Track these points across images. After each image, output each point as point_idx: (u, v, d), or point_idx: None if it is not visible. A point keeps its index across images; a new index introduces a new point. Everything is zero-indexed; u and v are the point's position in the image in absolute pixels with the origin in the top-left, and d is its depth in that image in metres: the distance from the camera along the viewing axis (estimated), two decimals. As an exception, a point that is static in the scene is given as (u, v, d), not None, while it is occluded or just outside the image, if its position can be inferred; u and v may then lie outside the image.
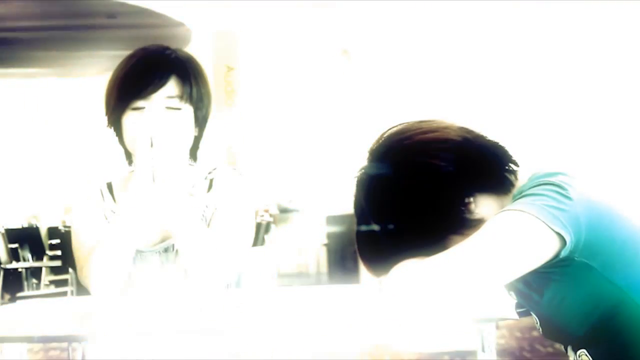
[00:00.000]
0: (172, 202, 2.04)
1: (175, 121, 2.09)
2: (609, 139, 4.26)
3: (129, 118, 2.09)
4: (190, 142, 2.15)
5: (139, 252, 2.12)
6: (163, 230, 2.15)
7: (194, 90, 2.12)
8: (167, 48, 2.16)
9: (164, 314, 1.93)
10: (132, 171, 2.17)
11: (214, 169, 2.20)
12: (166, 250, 2.14)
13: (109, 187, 2.21)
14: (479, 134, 1.68)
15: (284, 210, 12.22)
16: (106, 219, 2.16)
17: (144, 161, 2.04)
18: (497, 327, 6.48)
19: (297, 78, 12.59)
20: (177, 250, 2.11)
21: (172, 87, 2.10)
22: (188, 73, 2.12)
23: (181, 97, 2.10)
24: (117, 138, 2.18)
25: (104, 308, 2.00)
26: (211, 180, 2.18)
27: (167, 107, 2.09)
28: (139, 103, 2.08)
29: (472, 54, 7.98)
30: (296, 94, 12.66)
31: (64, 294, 5.73)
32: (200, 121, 2.16)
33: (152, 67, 2.09)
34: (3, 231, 6.87)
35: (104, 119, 2.17)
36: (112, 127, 2.16)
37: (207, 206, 2.15)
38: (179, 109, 2.10)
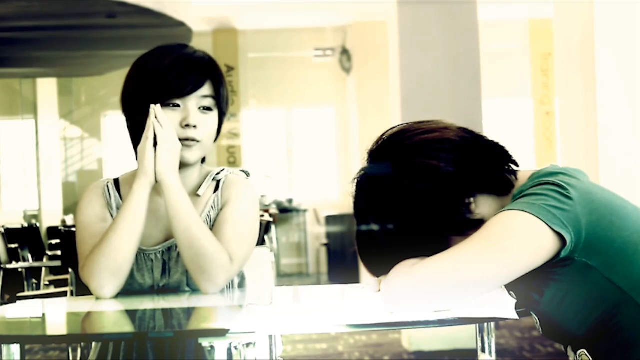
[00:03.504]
0: (176, 200, 2.05)
1: (208, 122, 2.14)
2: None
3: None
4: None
5: (141, 251, 2.12)
6: (166, 230, 2.15)
7: (223, 94, 2.17)
8: (194, 49, 2.19)
9: (166, 314, 1.93)
10: (134, 171, 2.17)
11: (222, 170, 2.21)
12: (169, 249, 2.14)
13: (116, 183, 2.22)
14: (478, 135, 1.69)
15: (284, 210, 12.22)
16: (112, 216, 2.16)
17: (166, 160, 2.06)
18: (497, 327, 6.49)
19: (297, 77, 12.58)
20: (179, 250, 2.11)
21: (206, 89, 2.13)
22: (220, 77, 2.17)
23: (213, 100, 2.14)
24: (133, 132, 2.16)
25: (103, 308, 2.00)
26: (218, 182, 2.19)
27: (200, 109, 2.13)
28: (175, 101, 2.11)
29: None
30: (295, 94, 12.66)
31: (64, 294, 5.73)
32: (220, 125, 2.19)
33: (192, 68, 2.12)
34: (3, 231, 6.86)
35: (129, 112, 2.16)
36: (136, 122, 2.15)
37: (212, 207, 2.16)
38: (211, 110, 2.14)
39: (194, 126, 2.10)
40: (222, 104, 2.17)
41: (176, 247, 2.12)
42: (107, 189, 2.19)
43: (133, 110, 2.14)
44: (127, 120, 2.17)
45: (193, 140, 2.11)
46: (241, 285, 2.26)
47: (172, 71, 2.10)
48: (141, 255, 2.13)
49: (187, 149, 2.11)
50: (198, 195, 2.17)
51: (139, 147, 2.08)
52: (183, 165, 2.14)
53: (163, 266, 2.13)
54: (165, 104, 2.10)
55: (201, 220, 2.06)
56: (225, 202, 2.15)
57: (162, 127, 2.06)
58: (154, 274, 2.13)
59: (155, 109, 2.07)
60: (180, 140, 2.10)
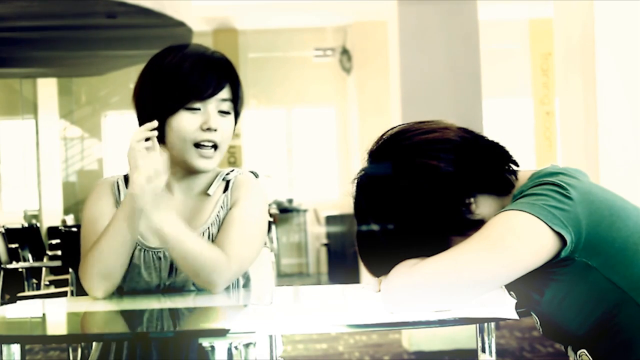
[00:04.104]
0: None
1: (226, 126, 2.13)
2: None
3: (182, 117, 2.09)
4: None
5: (150, 249, 2.13)
6: None
7: (241, 97, 2.18)
8: (211, 50, 2.17)
9: (170, 313, 1.93)
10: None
11: (232, 171, 2.22)
12: None
13: (127, 179, 2.21)
14: (478, 135, 1.68)
15: (284, 210, 12.22)
16: None
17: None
18: (497, 327, 6.48)
19: (297, 77, 12.58)
20: None
21: (225, 92, 2.13)
22: (238, 79, 2.17)
23: (231, 103, 2.15)
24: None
25: (103, 307, 2.00)
26: (228, 182, 2.19)
27: (219, 112, 2.12)
28: (195, 104, 2.09)
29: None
30: (296, 94, 12.65)
31: (64, 294, 5.72)
32: (235, 127, 2.20)
33: (213, 70, 2.11)
34: (3, 231, 6.86)
35: (145, 115, 2.12)
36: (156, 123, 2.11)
37: (221, 207, 2.16)
38: (229, 114, 2.15)
39: (215, 129, 2.10)
40: (238, 107, 2.17)
41: None
42: (117, 186, 2.19)
43: (149, 113, 2.11)
44: (142, 123, 2.13)
45: (213, 144, 2.10)
46: (246, 285, 2.25)
47: (193, 73, 2.08)
48: (149, 253, 2.13)
49: (206, 159, 2.11)
50: (208, 195, 2.17)
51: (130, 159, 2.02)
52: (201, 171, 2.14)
53: (170, 265, 2.13)
54: (184, 107, 2.09)
55: (191, 235, 2.03)
56: (234, 202, 2.16)
57: (152, 154, 2.00)
58: (161, 272, 2.13)
59: (150, 134, 2.01)
60: (200, 142, 2.09)
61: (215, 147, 2.12)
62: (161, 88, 2.09)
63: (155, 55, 2.16)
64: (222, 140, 2.13)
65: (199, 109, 2.10)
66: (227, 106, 2.13)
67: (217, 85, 2.10)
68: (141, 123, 2.14)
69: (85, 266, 2.06)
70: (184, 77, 2.08)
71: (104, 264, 2.03)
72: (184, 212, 2.17)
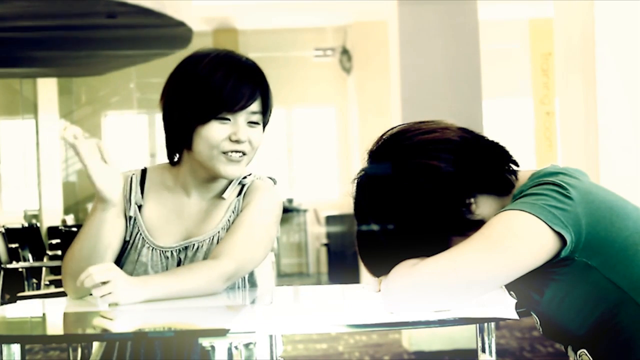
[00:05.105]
0: None
1: (255, 136, 2.12)
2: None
3: (212, 126, 2.07)
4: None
5: (158, 248, 2.13)
6: (187, 230, 2.15)
7: (270, 108, 2.17)
8: (244, 57, 2.16)
9: (170, 313, 1.93)
10: (165, 165, 2.19)
11: (249, 175, 2.21)
12: (185, 248, 2.13)
13: (143, 175, 2.19)
14: (478, 135, 1.69)
15: (284, 210, 12.22)
16: (126, 210, 2.13)
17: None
18: (497, 327, 6.49)
19: (297, 77, 12.58)
20: (196, 250, 2.12)
21: (256, 105, 2.12)
22: (269, 90, 2.16)
23: (261, 115, 2.13)
24: (171, 143, 2.15)
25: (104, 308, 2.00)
26: (243, 186, 2.19)
27: (249, 123, 2.11)
28: (226, 115, 2.07)
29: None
30: (296, 94, 12.66)
31: (64, 293, 5.73)
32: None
33: (246, 80, 2.09)
34: (3, 231, 6.86)
35: (173, 122, 2.11)
36: (178, 133, 2.11)
37: (233, 211, 2.16)
38: (258, 124, 2.13)
39: (243, 141, 2.08)
40: (267, 117, 2.16)
41: (193, 246, 2.13)
42: (130, 181, 2.18)
43: (178, 120, 2.10)
44: (168, 132, 2.13)
45: (242, 153, 2.09)
46: (252, 287, 2.25)
47: (226, 85, 2.06)
48: (157, 252, 2.12)
49: (233, 166, 2.09)
50: (223, 199, 2.16)
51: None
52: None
53: (177, 265, 2.13)
54: (215, 117, 2.07)
55: (169, 277, 2.00)
56: (245, 205, 2.15)
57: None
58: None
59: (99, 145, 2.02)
60: (228, 151, 2.08)
61: (243, 154, 2.11)
62: (193, 97, 2.07)
63: (185, 59, 2.13)
64: (251, 150, 2.11)
65: (229, 120, 2.08)
66: (256, 117, 2.12)
67: (250, 97, 2.08)
68: (168, 127, 2.13)
69: (62, 266, 2.08)
70: (217, 87, 2.05)
71: (76, 267, 2.02)
72: (197, 215, 2.16)
